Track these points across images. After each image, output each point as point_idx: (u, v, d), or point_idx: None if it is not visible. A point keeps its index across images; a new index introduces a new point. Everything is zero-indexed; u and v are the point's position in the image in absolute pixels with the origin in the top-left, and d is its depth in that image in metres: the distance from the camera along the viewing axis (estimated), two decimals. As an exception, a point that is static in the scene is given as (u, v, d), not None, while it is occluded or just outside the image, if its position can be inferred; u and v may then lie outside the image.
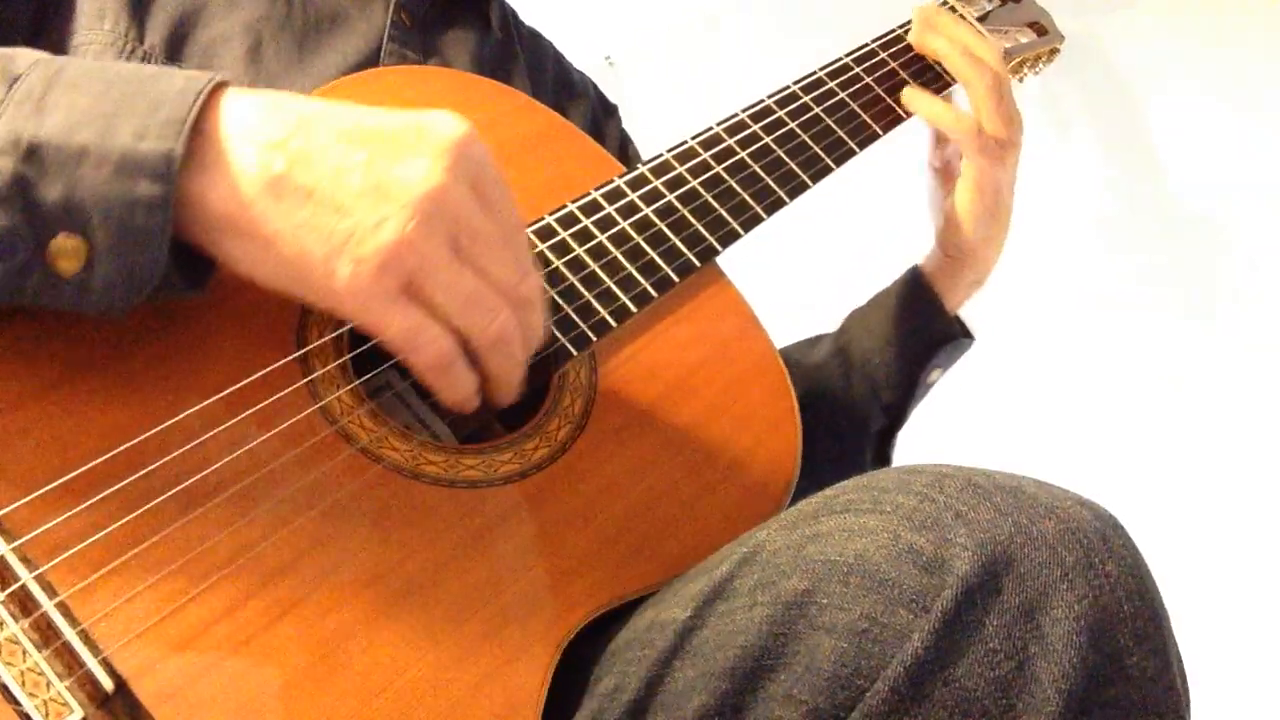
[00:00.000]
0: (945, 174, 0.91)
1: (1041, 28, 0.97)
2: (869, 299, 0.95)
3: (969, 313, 0.93)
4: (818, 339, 0.97)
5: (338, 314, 0.56)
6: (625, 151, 0.99)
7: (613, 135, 0.99)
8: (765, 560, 0.54)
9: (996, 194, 0.85)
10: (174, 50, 0.75)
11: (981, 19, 0.92)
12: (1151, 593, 0.50)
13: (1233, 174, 2.10)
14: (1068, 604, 0.48)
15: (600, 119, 0.99)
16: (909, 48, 0.91)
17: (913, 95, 0.88)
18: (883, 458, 0.93)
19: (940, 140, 0.91)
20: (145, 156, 0.51)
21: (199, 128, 0.52)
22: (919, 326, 0.90)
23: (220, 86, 0.54)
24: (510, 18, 0.96)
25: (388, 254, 0.52)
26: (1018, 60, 0.96)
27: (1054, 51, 0.99)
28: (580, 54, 1.02)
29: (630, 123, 1.02)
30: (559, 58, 1.00)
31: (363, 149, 0.54)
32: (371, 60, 0.81)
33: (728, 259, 0.76)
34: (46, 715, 0.45)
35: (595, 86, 1.02)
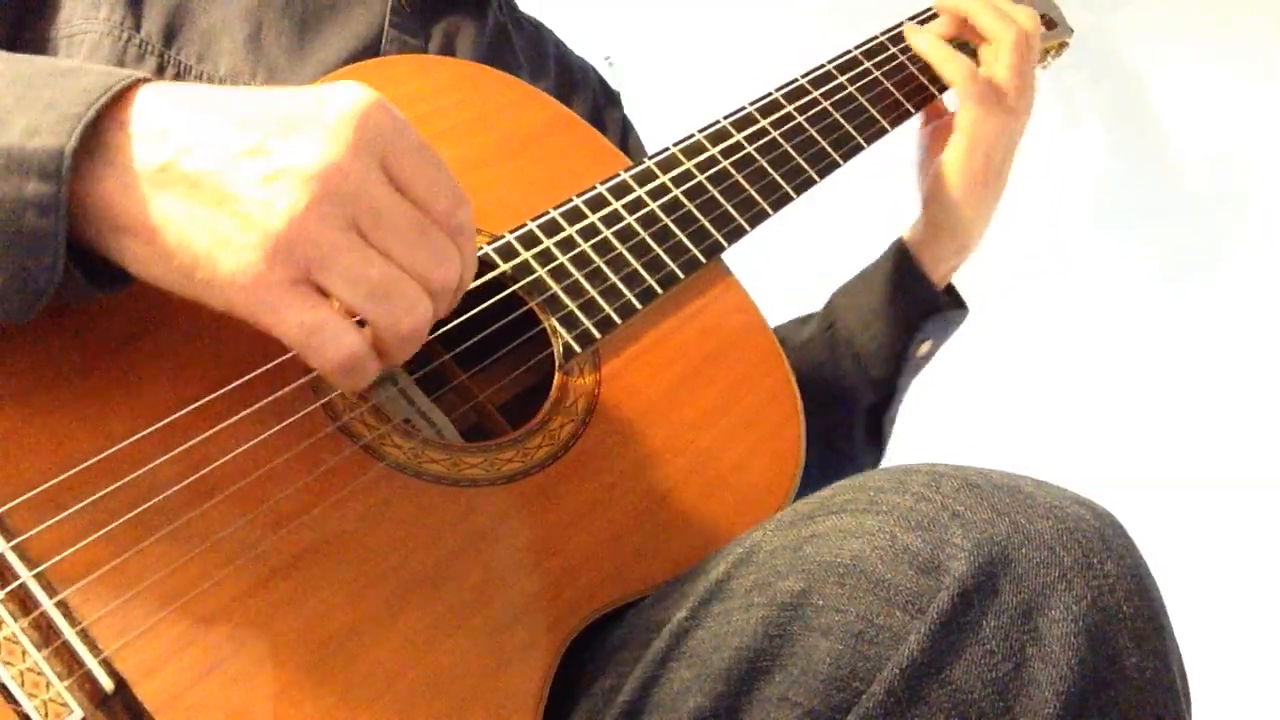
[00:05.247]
0: (935, 136, 0.90)
1: (1050, 21, 0.96)
2: (856, 274, 0.93)
3: (968, 290, 0.92)
4: (808, 317, 0.96)
5: (235, 314, 0.50)
6: (626, 140, 0.98)
7: (614, 123, 0.98)
8: (761, 561, 0.54)
9: (988, 152, 0.84)
10: (172, 38, 0.73)
11: None
12: (1152, 593, 0.49)
13: (1242, 165, 2.07)
14: (1066, 605, 0.47)
15: (602, 106, 0.97)
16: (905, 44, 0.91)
17: (912, 30, 0.88)
18: (877, 436, 0.92)
19: (933, 110, 0.90)
20: (33, 154, 0.47)
21: (100, 126, 0.48)
22: (903, 297, 0.88)
23: (136, 84, 0.50)
24: (510, 3, 0.94)
25: (277, 241, 0.47)
26: None
27: (1063, 45, 0.98)
28: (580, 54, 1.02)
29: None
30: (559, 44, 0.99)
31: (256, 131, 0.49)
32: (373, 45, 0.80)
33: (731, 255, 0.76)
34: (46, 715, 0.45)
35: (596, 73, 1.01)
